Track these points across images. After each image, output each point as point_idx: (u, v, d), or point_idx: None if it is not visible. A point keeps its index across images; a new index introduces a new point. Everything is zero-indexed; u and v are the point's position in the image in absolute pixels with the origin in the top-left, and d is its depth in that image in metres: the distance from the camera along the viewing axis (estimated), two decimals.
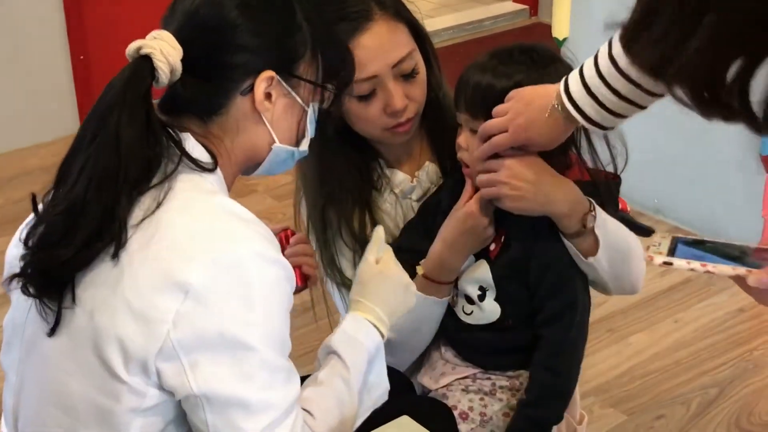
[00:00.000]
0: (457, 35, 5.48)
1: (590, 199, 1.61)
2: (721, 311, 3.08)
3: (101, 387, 1.26)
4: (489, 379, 1.73)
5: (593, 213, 1.60)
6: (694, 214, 3.51)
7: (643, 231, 1.69)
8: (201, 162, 1.31)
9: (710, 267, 1.13)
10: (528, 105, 1.51)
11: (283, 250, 1.50)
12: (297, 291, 1.52)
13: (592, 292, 3.07)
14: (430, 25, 6.25)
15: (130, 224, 1.25)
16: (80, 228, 1.25)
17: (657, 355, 2.89)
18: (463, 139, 1.62)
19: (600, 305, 3.10)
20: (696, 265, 1.14)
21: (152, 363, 1.23)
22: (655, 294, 3.17)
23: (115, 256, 1.24)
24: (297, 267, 1.56)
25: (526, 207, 1.59)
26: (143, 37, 1.32)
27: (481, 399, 1.72)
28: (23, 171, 3.99)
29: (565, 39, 3.69)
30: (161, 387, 1.26)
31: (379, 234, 1.56)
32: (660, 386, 2.76)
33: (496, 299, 1.67)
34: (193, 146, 1.32)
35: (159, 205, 1.25)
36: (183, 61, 1.31)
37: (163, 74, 1.29)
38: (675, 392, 2.73)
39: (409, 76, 1.68)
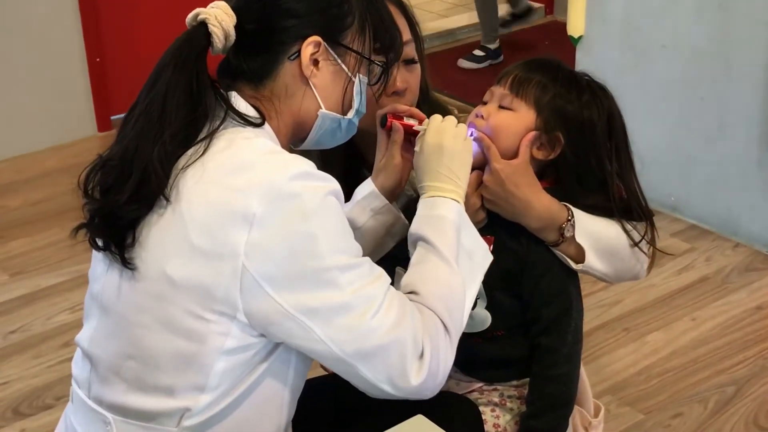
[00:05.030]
0: (472, 34, 5.48)
1: (567, 205, 1.61)
2: (738, 309, 3.07)
3: (184, 333, 1.33)
4: (496, 390, 1.73)
5: (571, 221, 1.60)
6: (710, 211, 3.50)
7: (643, 215, 1.67)
8: (247, 116, 1.38)
9: None
10: None
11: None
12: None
13: (608, 291, 3.10)
14: (445, 24, 6.24)
15: (178, 168, 1.33)
16: (131, 174, 1.33)
17: (674, 353, 2.89)
18: (485, 110, 1.64)
19: (616, 304, 3.10)
20: None
21: (237, 300, 1.30)
22: (671, 292, 3.16)
23: (167, 200, 1.32)
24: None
25: (500, 212, 1.62)
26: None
27: (492, 410, 1.72)
28: (41, 173, 4.02)
29: (580, 37, 3.68)
30: (247, 324, 1.32)
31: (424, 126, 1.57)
32: (677, 384, 2.75)
33: (487, 308, 1.67)
34: (239, 103, 1.40)
35: (205, 150, 1.33)
36: (237, 28, 1.39)
37: (217, 39, 1.38)
38: (692, 390, 2.72)
39: (409, 63, 1.71)
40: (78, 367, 1.49)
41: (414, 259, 1.46)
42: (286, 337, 1.34)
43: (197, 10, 1.40)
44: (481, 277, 1.50)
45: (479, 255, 1.50)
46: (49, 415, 2.66)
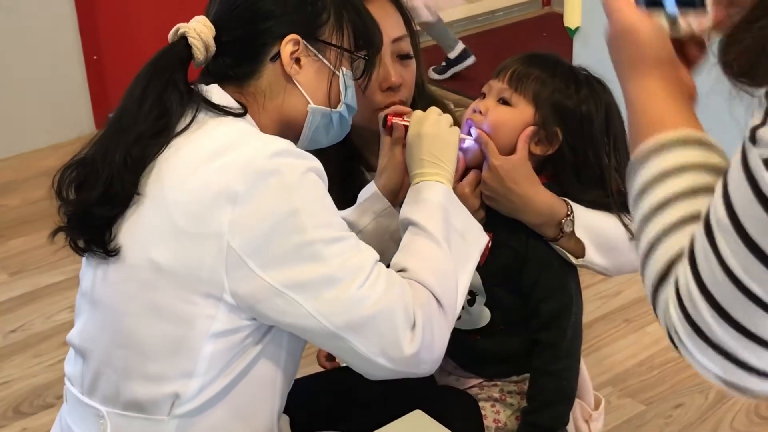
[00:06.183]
0: (470, 26, 5.48)
1: (566, 200, 1.61)
2: None
3: (172, 317, 1.34)
4: (496, 385, 1.73)
5: (570, 216, 1.60)
6: None
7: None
8: (225, 107, 1.40)
9: None
10: None
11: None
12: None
13: (608, 283, 3.10)
14: (443, 16, 6.21)
15: (155, 158, 1.36)
16: (103, 171, 1.36)
17: None
18: (483, 105, 1.64)
19: (616, 295, 3.10)
20: None
21: (223, 280, 1.31)
22: None
23: (140, 195, 1.35)
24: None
25: (499, 209, 1.62)
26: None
27: (492, 406, 1.71)
28: (39, 172, 4.00)
29: (577, 29, 3.68)
30: (234, 306, 1.32)
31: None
32: (678, 375, 2.75)
33: (486, 304, 1.67)
34: (214, 93, 1.42)
35: (179, 135, 1.36)
36: (216, 39, 1.43)
37: (198, 50, 1.42)
38: (693, 381, 2.72)
39: (404, 58, 1.71)
40: (70, 365, 1.50)
41: (402, 242, 1.46)
42: (275, 315, 1.33)
43: (178, 25, 1.44)
44: (476, 256, 1.50)
45: (472, 235, 1.50)
46: (50, 414, 2.66)
